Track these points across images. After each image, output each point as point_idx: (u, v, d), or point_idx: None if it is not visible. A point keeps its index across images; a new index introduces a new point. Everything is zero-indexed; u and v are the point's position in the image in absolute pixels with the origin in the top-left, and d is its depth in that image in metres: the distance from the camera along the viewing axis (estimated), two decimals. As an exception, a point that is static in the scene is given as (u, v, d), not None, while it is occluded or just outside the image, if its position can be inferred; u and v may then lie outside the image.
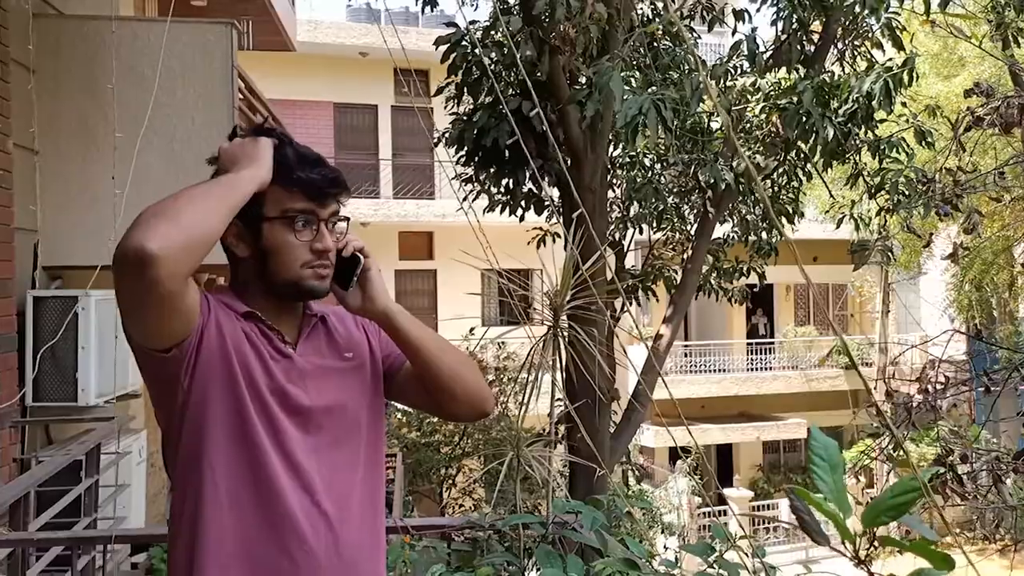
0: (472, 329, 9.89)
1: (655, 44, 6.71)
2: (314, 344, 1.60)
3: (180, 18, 4.71)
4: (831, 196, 8.25)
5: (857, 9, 6.25)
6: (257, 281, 1.55)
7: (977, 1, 7.35)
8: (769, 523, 17.28)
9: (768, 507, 17.68)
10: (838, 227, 7.53)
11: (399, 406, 8.70)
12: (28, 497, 3.28)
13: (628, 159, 7.91)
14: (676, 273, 8.32)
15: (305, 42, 13.68)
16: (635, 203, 7.98)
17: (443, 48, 6.15)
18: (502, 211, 7.05)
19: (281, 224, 1.51)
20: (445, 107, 6.90)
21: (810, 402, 18.76)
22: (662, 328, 7.63)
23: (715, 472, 18.39)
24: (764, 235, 8.19)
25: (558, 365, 2.72)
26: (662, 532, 13.00)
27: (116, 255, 1.30)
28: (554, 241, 7.89)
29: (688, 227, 8.40)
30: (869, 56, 6.72)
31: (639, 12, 6.83)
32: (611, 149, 7.24)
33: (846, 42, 6.83)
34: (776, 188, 7.78)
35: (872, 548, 1.06)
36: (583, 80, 5.89)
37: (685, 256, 8.13)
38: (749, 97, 6.43)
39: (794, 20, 6.60)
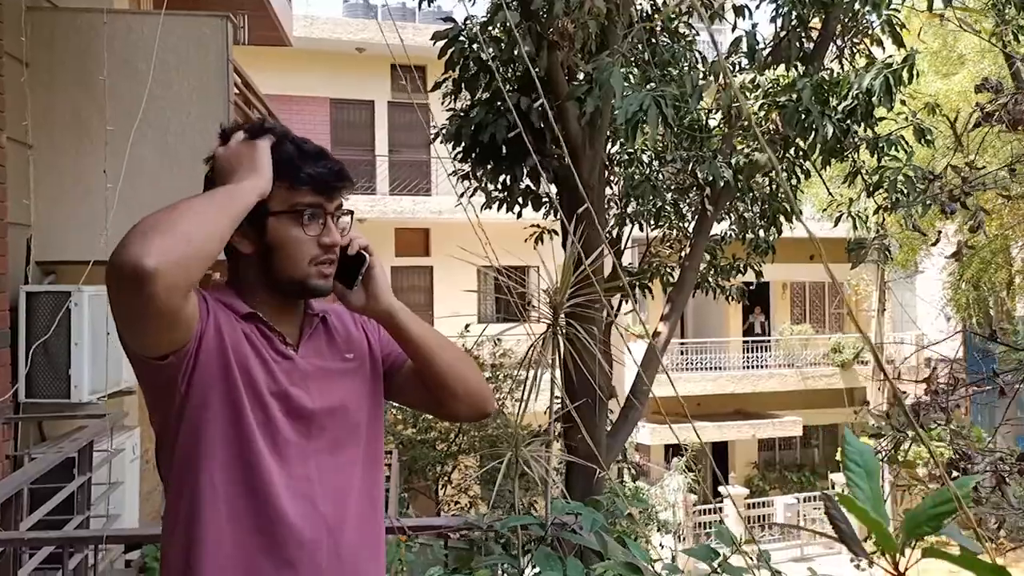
0: (468, 326, 9.86)
1: (654, 40, 6.68)
2: (315, 345, 1.57)
3: (174, 11, 4.66)
4: (829, 194, 8.23)
5: (857, 6, 6.23)
6: (259, 279, 1.51)
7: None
8: (764, 521, 17.29)
9: (763, 505, 17.70)
10: (836, 225, 7.50)
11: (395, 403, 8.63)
12: (21, 495, 3.25)
13: (626, 156, 7.88)
14: (673, 271, 8.30)
15: (301, 37, 13.61)
16: (633, 200, 7.95)
17: (440, 43, 6.11)
18: (499, 208, 7.01)
19: (288, 219, 1.48)
20: (442, 103, 6.85)
21: (806, 400, 18.79)
22: (660, 326, 7.60)
23: (711, 470, 18.39)
24: (762, 233, 8.17)
25: (557, 363, 2.69)
26: (658, 530, 12.99)
27: (111, 268, 1.24)
28: (551, 238, 7.86)
29: (686, 224, 8.37)
30: (868, 53, 6.70)
31: (638, 7, 6.79)
32: (609, 146, 7.20)
33: (845, 39, 6.80)
34: (774, 186, 7.76)
35: (915, 560, 1.01)
36: (582, 76, 5.86)
37: (683, 254, 8.10)
38: (747, 94, 6.41)
39: (793, 17, 6.58)
